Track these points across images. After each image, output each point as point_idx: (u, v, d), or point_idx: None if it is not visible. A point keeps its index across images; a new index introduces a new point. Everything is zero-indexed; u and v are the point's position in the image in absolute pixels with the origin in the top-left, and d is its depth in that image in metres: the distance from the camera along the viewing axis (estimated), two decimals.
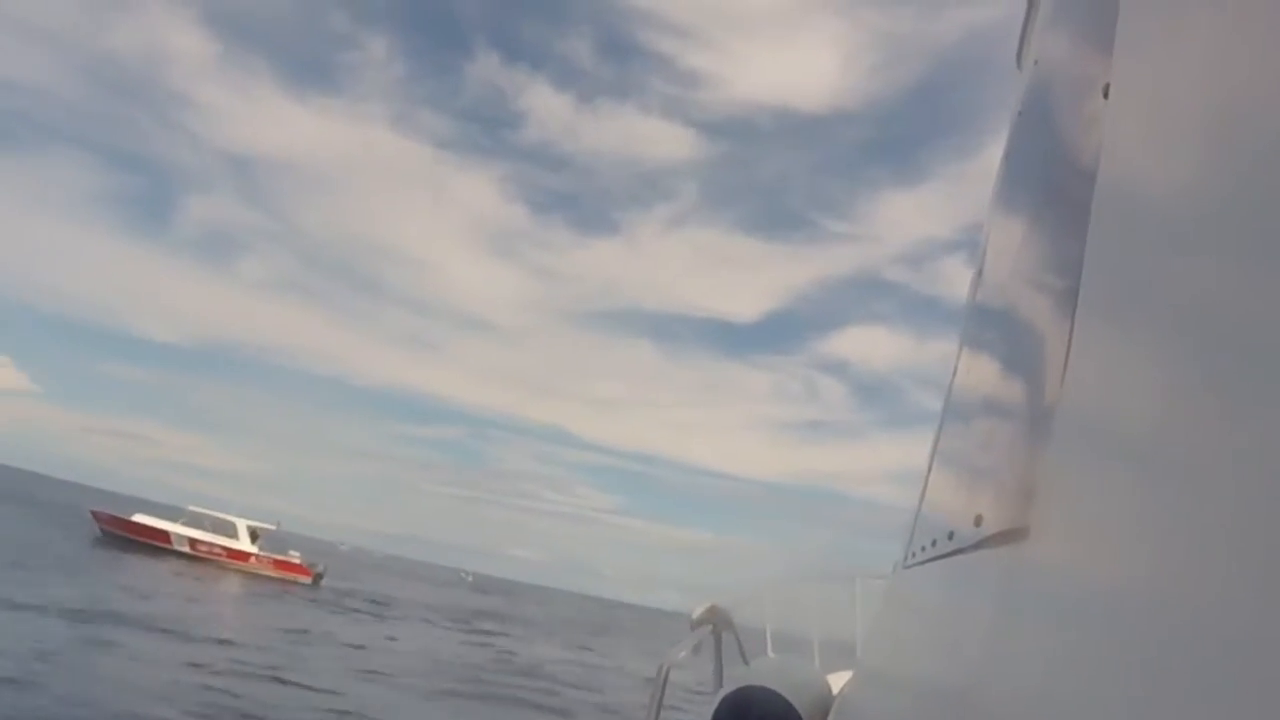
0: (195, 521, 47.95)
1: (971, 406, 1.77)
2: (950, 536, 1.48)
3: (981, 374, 1.72)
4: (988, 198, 2.34)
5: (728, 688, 3.56)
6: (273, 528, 49.77)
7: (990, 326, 1.75)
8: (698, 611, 4.07)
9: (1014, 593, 0.92)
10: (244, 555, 47.28)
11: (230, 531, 47.88)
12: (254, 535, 48.40)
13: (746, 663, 4.19)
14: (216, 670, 17.19)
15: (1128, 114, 0.88)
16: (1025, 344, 1.26)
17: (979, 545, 1.16)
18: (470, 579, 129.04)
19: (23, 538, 36.67)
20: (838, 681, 4.04)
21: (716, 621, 4.09)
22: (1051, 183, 1.31)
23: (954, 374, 2.30)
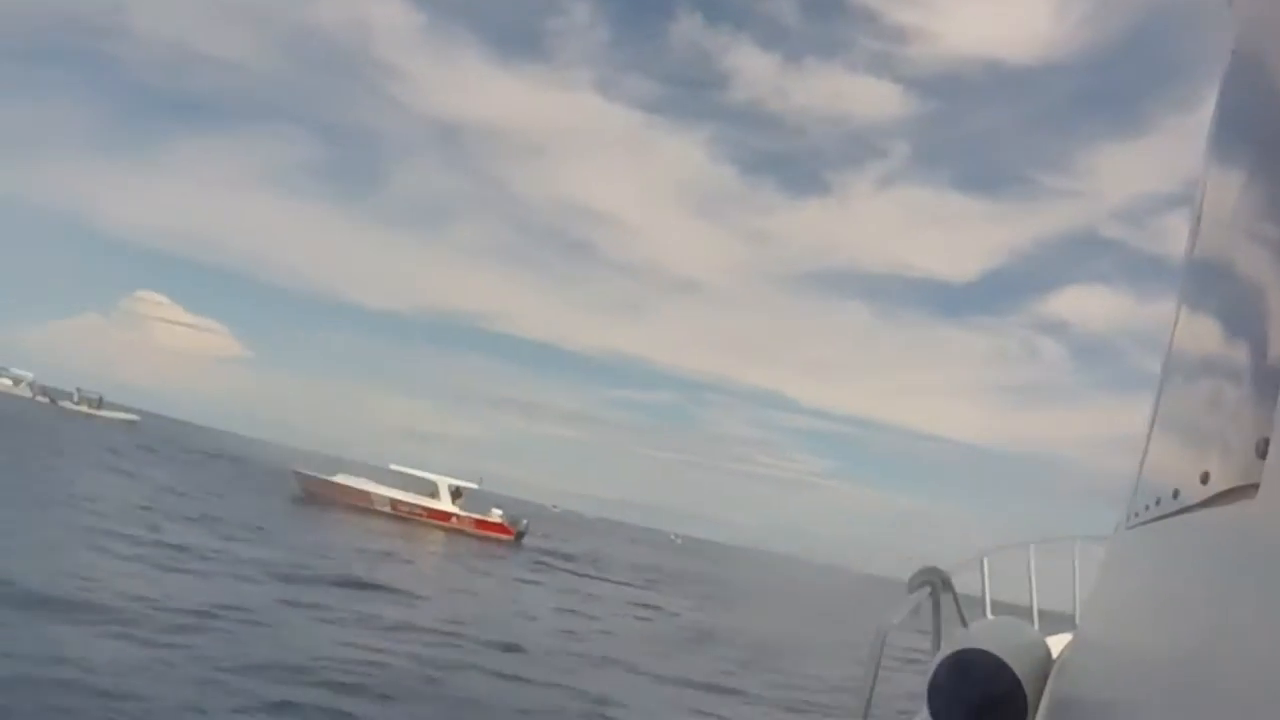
0: (397, 481, 46.28)
1: (1194, 362, 1.76)
2: (1175, 495, 1.43)
3: (1203, 329, 1.69)
4: (1202, 146, 2.21)
5: (945, 650, 3.53)
6: (475, 486, 47.50)
7: (1210, 280, 1.73)
8: (915, 573, 3.90)
9: (1244, 552, 0.88)
10: (445, 515, 45.17)
11: (431, 491, 45.90)
12: (456, 494, 46.22)
13: (965, 625, 4.06)
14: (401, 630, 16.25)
15: None
16: (1249, 296, 1.20)
17: (1206, 504, 1.13)
18: (679, 541, 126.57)
19: (226, 498, 35.53)
20: (1057, 645, 4.14)
21: (934, 584, 3.94)
22: (1271, 125, 1.27)
23: (1173, 330, 2.24)
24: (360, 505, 44.59)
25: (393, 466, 46.39)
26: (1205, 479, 1.14)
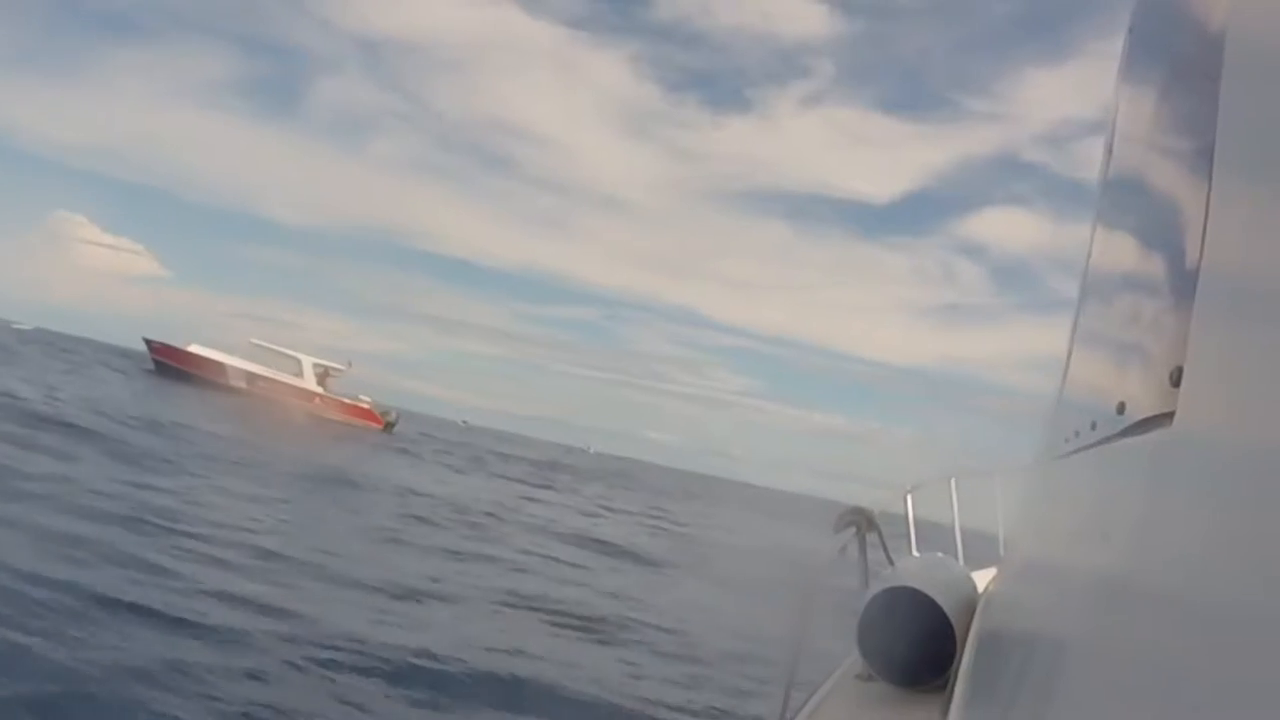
0: (259, 356, 42.15)
1: (1108, 289, 1.79)
2: (1093, 427, 1.44)
3: (1117, 254, 1.73)
4: (1114, 69, 2.32)
5: (874, 590, 3.69)
6: (343, 368, 43.55)
7: (1124, 202, 1.75)
8: (841, 514, 4.01)
9: (1161, 481, 0.89)
10: (308, 394, 41.34)
11: (296, 370, 41.93)
12: (323, 375, 42.31)
13: (892, 564, 4.20)
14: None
15: None
16: (1161, 216, 1.23)
17: (1123, 434, 1.14)
18: (593, 451, 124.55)
19: (79, 375, 31.72)
20: (983, 579, 4.37)
21: (860, 523, 3.96)
22: (1181, 48, 1.28)
23: (1089, 256, 2.31)
24: (215, 379, 40.54)
25: (254, 340, 42.21)
26: (1121, 409, 1.16)
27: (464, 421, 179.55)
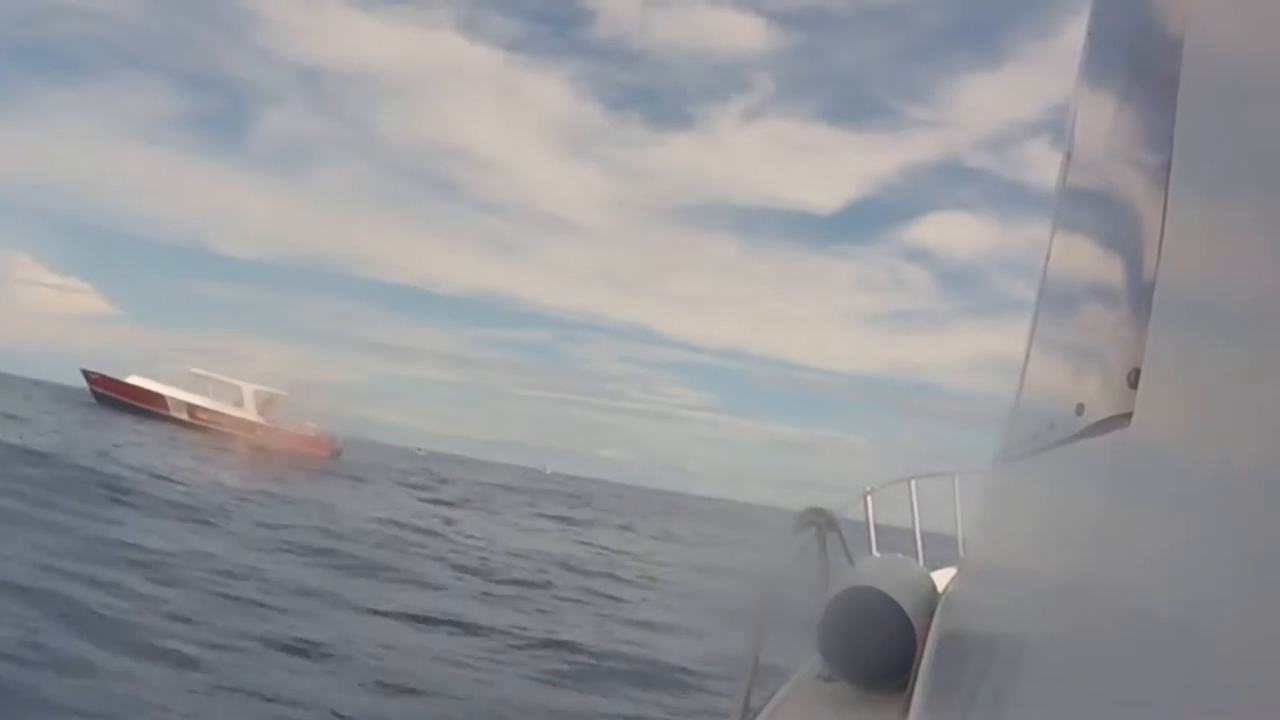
0: (199, 386, 41.48)
1: (1067, 292, 1.79)
2: (1051, 427, 1.46)
3: (1076, 257, 1.73)
4: (1073, 77, 2.31)
5: (834, 590, 3.68)
6: (286, 394, 42.98)
7: (1082, 207, 1.76)
8: (800, 515, 4.08)
9: (1119, 482, 0.89)
10: (250, 425, 40.72)
11: (236, 398, 41.33)
12: (265, 403, 41.76)
13: (852, 564, 4.21)
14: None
15: None
16: (1119, 224, 1.24)
17: (1082, 435, 1.14)
18: (549, 471, 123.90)
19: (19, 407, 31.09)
20: (943, 579, 4.28)
21: (820, 523, 4.06)
22: (1139, 54, 1.30)
23: (1047, 259, 2.31)
24: (156, 410, 39.79)
25: (195, 370, 41.49)
26: (1080, 410, 1.17)
27: (419, 449, 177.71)
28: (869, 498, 4.87)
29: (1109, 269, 1.26)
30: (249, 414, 40.90)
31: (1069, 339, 1.61)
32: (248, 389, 41.37)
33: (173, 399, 40.26)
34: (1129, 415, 0.85)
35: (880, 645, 3.50)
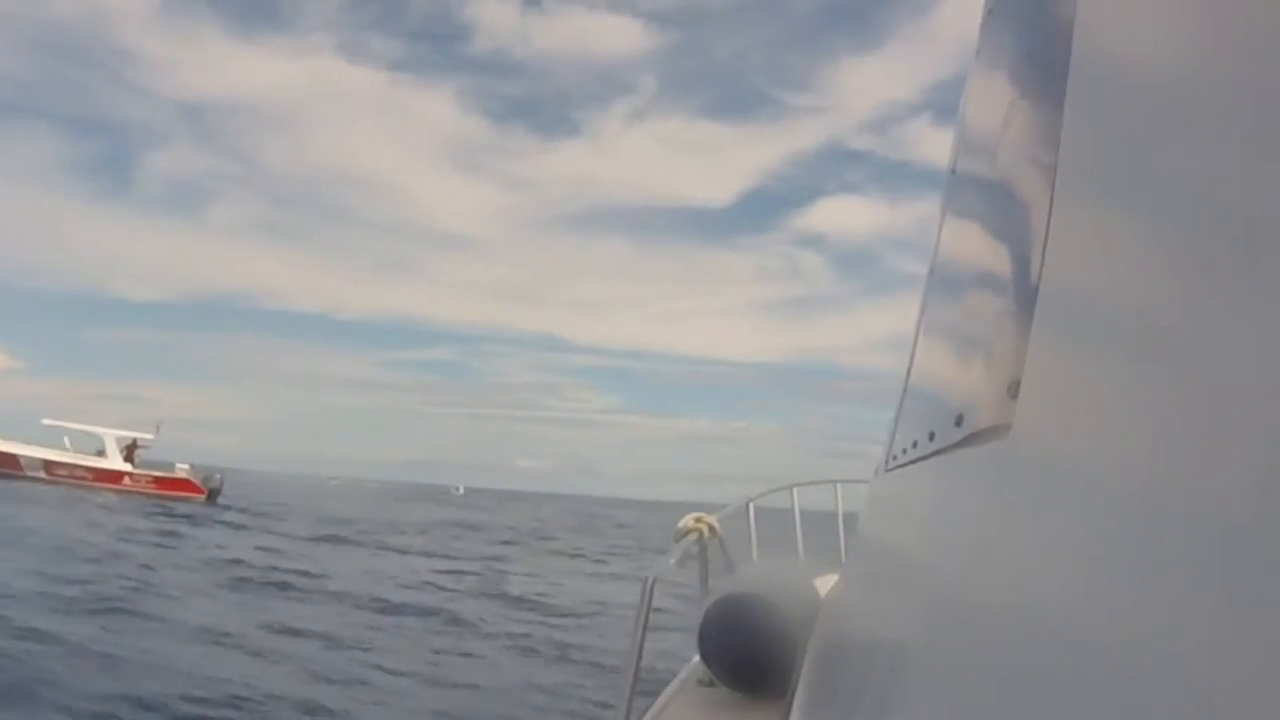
0: (54, 439, 38.83)
1: (949, 307, 1.79)
2: (931, 438, 1.47)
3: (958, 267, 1.71)
4: (967, 68, 2.31)
5: (714, 596, 3.66)
6: (150, 437, 40.60)
7: (968, 207, 1.74)
8: (682, 521, 4.04)
9: (998, 492, 0.91)
10: (115, 475, 38.30)
11: (98, 448, 38.80)
12: (130, 449, 39.29)
13: (733, 571, 4.22)
14: None
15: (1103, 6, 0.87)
16: (1002, 238, 1.24)
17: (960, 444, 1.15)
18: (461, 492, 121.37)
19: None
20: (824, 585, 4.30)
21: (701, 531, 4.01)
22: (1029, 52, 1.31)
23: (931, 273, 2.30)
24: (10, 471, 37.02)
25: (45, 421, 38.81)
26: (959, 421, 1.17)
27: (332, 479, 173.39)
28: (751, 505, 4.88)
29: (991, 279, 1.25)
30: (113, 462, 38.42)
31: (950, 349, 1.62)
32: (109, 437, 38.93)
33: (26, 457, 37.55)
34: (1008, 426, 0.86)
35: (759, 651, 3.46)
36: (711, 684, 3.71)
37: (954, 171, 2.10)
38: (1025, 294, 0.90)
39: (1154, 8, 0.69)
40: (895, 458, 2.11)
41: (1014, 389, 0.87)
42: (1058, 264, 0.83)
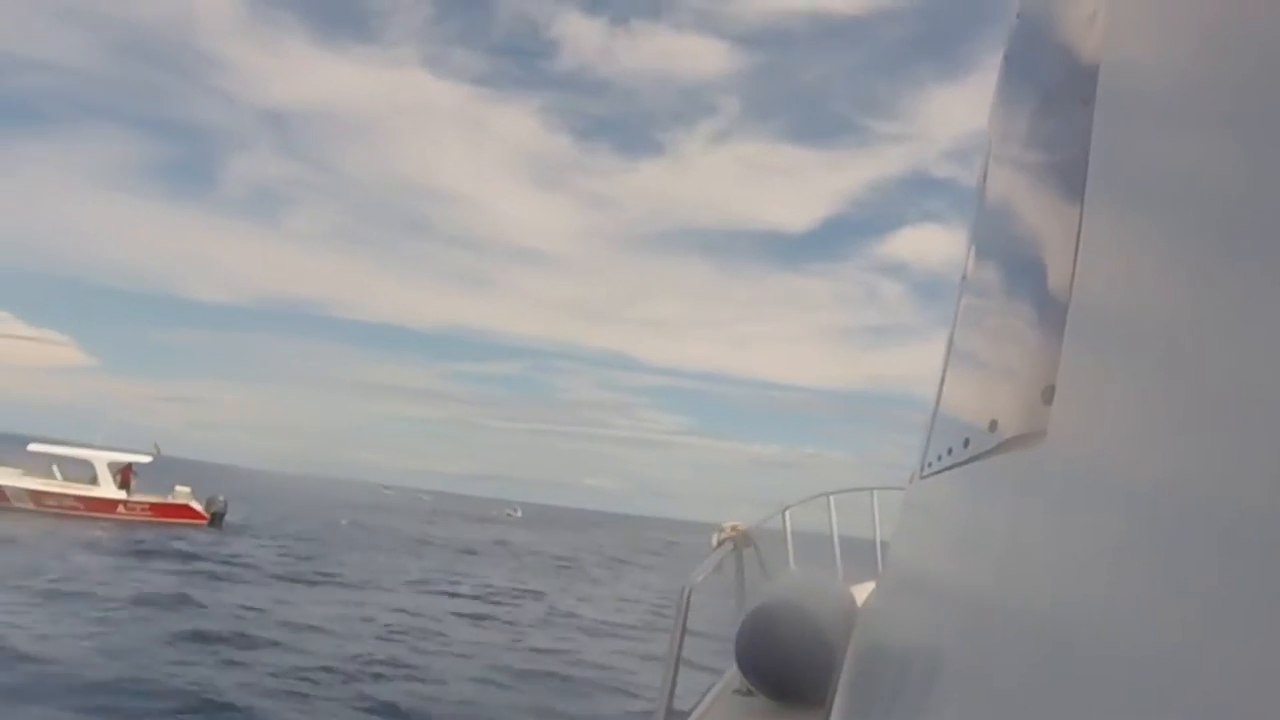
0: (41, 465, 35.04)
1: (982, 308, 1.80)
2: (965, 444, 1.49)
3: (991, 272, 1.73)
4: (991, 91, 2.37)
5: (752, 605, 3.69)
6: (147, 459, 36.65)
7: (999, 219, 1.76)
8: (717, 532, 4.03)
9: (1033, 498, 0.91)
10: (108, 504, 34.39)
11: (89, 474, 34.96)
12: (124, 474, 35.39)
13: (770, 579, 4.21)
14: None
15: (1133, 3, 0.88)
16: (1034, 241, 1.25)
17: (995, 451, 1.16)
18: (518, 514, 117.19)
19: None
20: (861, 593, 4.38)
21: (738, 540, 4.02)
22: (1056, 71, 1.32)
23: (964, 276, 2.31)
24: None
25: (32, 447, 34.99)
26: (994, 427, 1.19)
27: (386, 488, 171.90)
28: (788, 513, 4.91)
29: (1024, 286, 1.26)
30: (105, 490, 34.56)
31: (984, 355, 1.64)
32: (100, 462, 35.08)
33: (11, 488, 33.83)
34: (1043, 432, 0.86)
35: (797, 660, 3.46)
36: (749, 693, 3.71)
37: (985, 175, 2.11)
38: (1058, 297, 0.91)
39: (1180, 20, 0.70)
40: (930, 464, 2.13)
41: (1048, 394, 0.87)
42: (1090, 269, 0.83)
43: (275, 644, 15.34)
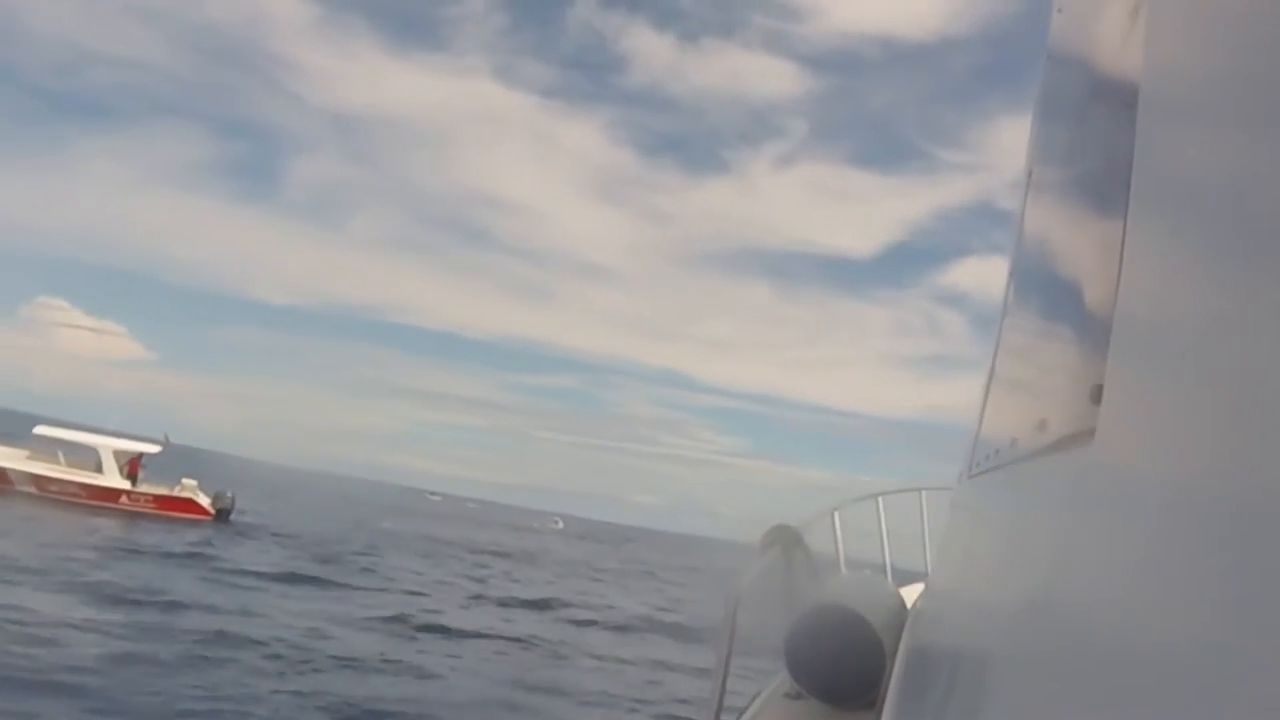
0: (46, 449, 33.84)
1: (1029, 313, 1.83)
2: (1013, 444, 1.47)
3: (1038, 276, 1.73)
4: (1032, 103, 2.43)
5: (801, 608, 3.67)
6: (155, 450, 35.24)
7: (1044, 226, 1.77)
8: (766, 532, 3.98)
9: (1082, 497, 0.92)
10: (112, 494, 33.03)
11: (93, 461, 33.66)
12: (131, 464, 34.02)
13: (819, 582, 4.17)
14: None
15: (1170, 9, 0.89)
16: (1079, 241, 1.27)
17: (1044, 451, 1.16)
18: (560, 525, 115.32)
19: None
20: (910, 595, 4.33)
21: (785, 542, 3.97)
22: (1098, 78, 1.32)
23: (1010, 278, 2.36)
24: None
25: (38, 430, 33.77)
26: (1042, 427, 1.19)
27: (433, 494, 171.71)
28: (836, 515, 4.80)
29: (1070, 286, 1.27)
30: (110, 479, 33.22)
31: (1031, 356, 1.64)
32: (106, 450, 33.78)
33: (15, 471, 32.65)
34: (1092, 431, 0.86)
35: (848, 663, 3.48)
36: (799, 696, 3.69)
37: (1031, 174, 2.15)
38: (1104, 299, 0.91)
39: (1220, 25, 0.71)
40: (978, 464, 2.11)
41: (1096, 394, 0.87)
42: (1135, 268, 0.83)
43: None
